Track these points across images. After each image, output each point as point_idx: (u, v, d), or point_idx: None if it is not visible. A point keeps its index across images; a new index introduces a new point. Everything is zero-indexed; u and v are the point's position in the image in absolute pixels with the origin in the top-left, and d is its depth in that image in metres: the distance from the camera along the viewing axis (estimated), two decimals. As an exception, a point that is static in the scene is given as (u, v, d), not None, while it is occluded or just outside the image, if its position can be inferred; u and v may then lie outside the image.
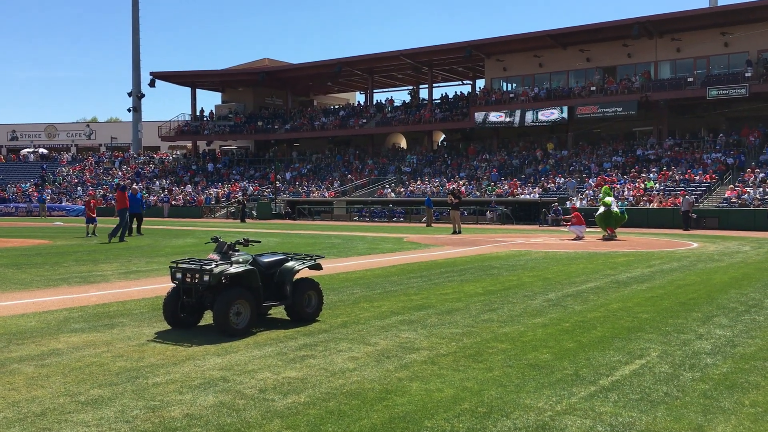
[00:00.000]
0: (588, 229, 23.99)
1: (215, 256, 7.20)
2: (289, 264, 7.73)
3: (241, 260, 7.22)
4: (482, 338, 6.88)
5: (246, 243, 7.86)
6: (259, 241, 8.56)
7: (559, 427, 4.30)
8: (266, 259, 7.67)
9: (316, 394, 4.95)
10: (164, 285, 10.16)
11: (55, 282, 11.26)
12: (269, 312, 7.94)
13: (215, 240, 7.58)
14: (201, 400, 4.79)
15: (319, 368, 5.66)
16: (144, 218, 25.75)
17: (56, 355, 6.13)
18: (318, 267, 8.19)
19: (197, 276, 6.92)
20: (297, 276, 7.80)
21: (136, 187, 27.21)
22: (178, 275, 7.09)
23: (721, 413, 4.58)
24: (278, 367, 5.71)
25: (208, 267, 6.88)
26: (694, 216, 29.90)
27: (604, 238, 22.74)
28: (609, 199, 23.37)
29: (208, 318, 7.35)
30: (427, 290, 10.31)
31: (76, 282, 11.29)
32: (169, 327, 7.28)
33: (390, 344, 6.58)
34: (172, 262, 7.24)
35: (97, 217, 24.46)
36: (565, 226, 24.03)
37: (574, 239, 22.19)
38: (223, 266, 6.97)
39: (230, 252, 7.28)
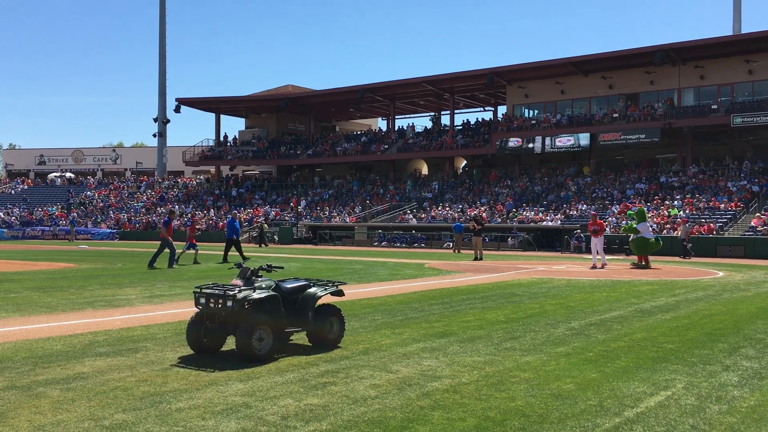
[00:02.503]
0: (609, 257, 23.65)
1: (239, 282, 7.27)
2: (312, 290, 7.77)
3: (264, 286, 7.28)
4: (504, 367, 6.83)
5: (269, 269, 7.91)
6: (282, 267, 8.61)
7: (583, 459, 4.25)
8: (289, 285, 7.71)
9: (337, 421, 4.94)
10: (187, 309, 10.24)
11: (80, 305, 11.39)
12: (291, 338, 7.96)
13: (239, 265, 7.66)
14: (223, 426, 4.81)
15: (340, 395, 5.66)
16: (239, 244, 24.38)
17: (81, 378, 6.19)
18: (340, 293, 8.23)
19: (220, 301, 6.98)
20: (319, 302, 7.83)
21: (236, 212, 26.49)
22: (202, 300, 7.15)
23: (749, 447, 4.50)
24: (300, 393, 5.72)
25: (231, 292, 6.93)
26: (689, 245, 29.65)
27: (634, 266, 22.39)
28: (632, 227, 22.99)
29: (230, 343, 7.38)
30: (449, 317, 10.28)
31: (101, 306, 11.42)
32: (192, 352, 7.33)
33: (412, 372, 6.56)
34: (196, 287, 7.31)
35: (197, 243, 23.70)
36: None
37: (593, 267, 21.81)
38: (246, 292, 7.02)
39: (253, 278, 7.35)
